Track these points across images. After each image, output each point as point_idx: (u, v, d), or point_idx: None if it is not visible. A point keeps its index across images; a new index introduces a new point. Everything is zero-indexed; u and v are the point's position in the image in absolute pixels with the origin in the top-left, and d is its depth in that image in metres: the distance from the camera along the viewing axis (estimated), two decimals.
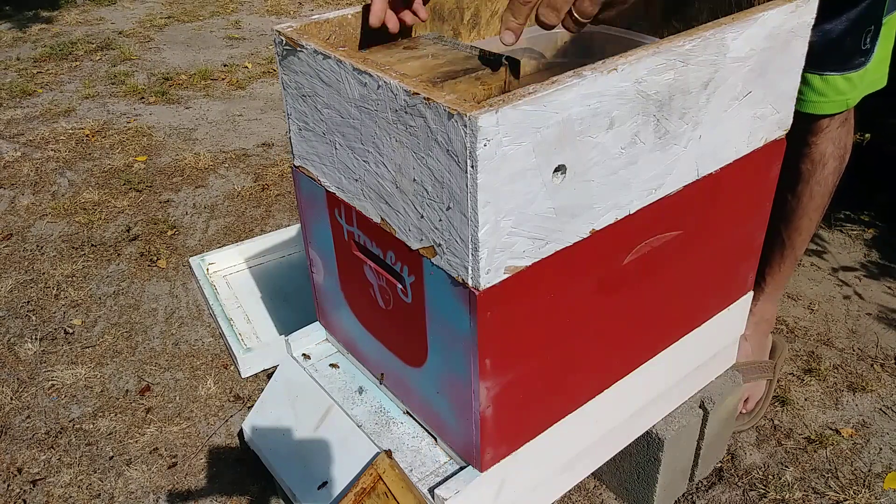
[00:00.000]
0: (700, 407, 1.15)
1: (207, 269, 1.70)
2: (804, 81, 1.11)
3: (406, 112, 0.70)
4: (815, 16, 0.90)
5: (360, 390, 1.04)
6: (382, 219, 0.82)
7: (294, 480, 1.03)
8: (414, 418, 0.97)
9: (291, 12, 3.88)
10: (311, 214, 0.98)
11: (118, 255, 1.89)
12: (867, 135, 1.96)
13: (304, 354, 1.08)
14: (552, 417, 0.91)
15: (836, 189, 1.25)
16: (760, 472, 1.27)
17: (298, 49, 0.81)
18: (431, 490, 0.87)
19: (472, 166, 0.64)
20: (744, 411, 1.34)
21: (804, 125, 1.17)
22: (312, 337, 1.13)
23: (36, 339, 1.61)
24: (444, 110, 0.64)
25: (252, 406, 1.17)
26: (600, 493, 1.25)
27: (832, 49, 1.09)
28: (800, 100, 1.13)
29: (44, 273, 1.82)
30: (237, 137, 2.51)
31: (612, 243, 0.83)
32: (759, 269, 1.35)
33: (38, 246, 1.93)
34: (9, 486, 1.27)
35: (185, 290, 1.75)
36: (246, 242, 1.78)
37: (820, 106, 1.14)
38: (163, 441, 1.35)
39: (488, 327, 0.74)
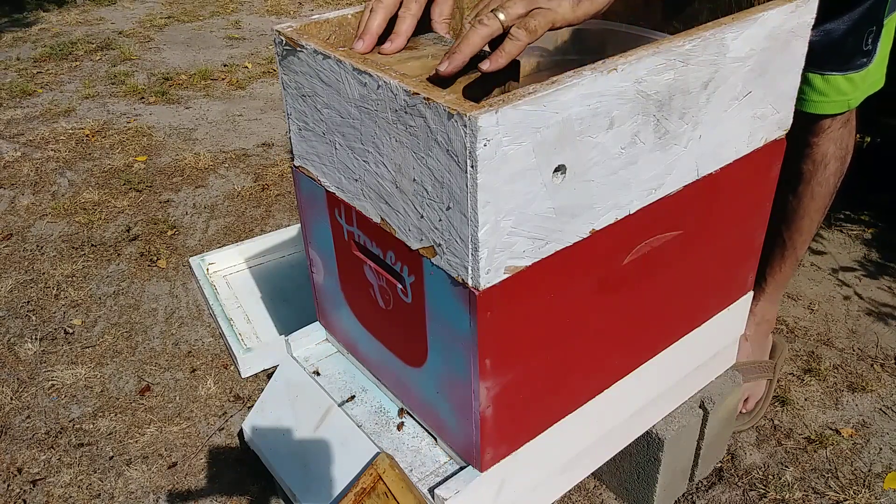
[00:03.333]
0: (700, 407, 1.15)
1: (207, 269, 1.70)
2: (805, 81, 1.11)
3: (406, 112, 0.70)
4: (815, 16, 0.90)
5: (361, 390, 1.04)
6: (382, 219, 0.82)
7: (294, 480, 1.03)
8: (414, 418, 0.97)
9: (291, 12, 3.88)
10: (311, 214, 0.98)
11: (118, 255, 1.89)
12: (867, 137, 1.95)
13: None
14: (552, 417, 0.91)
15: (837, 190, 1.25)
16: (760, 472, 1.27)
17: (298, 49, 0.81)
18: (431, 490, 0.87)
19: (472, 166, 0.64)
20: (744, 411, 1.34)
21: (806, 125, 1.17)
22: (312, 337, 1.13)
23: (36, 339, 1.61)
24: (444, 110, 0.64)
25: (252, 406, 1.17)
26: (600, 493, 1.25)
27: (834, 49, 1.09)
28: (801, 99, 1.13)
29: (44, 273, 1.82)
30: (237, 137, 2.51)
31: (612, 243, 0.83)
32: (759, 270, 1.35)
33: (38, 246, 1.93)
34: (9, 486, 1.27)
35: (185, 290, 1.75)
36: (246, 242, 1.78)
37: (821, 106, 1.14)
38: (163, 441, 1.35)
39: (488, 327, 0.74)
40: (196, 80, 2.98)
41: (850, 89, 1.12)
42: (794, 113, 1.16)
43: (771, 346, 1.40)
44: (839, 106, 1.14)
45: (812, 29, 1.01)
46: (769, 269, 1.33)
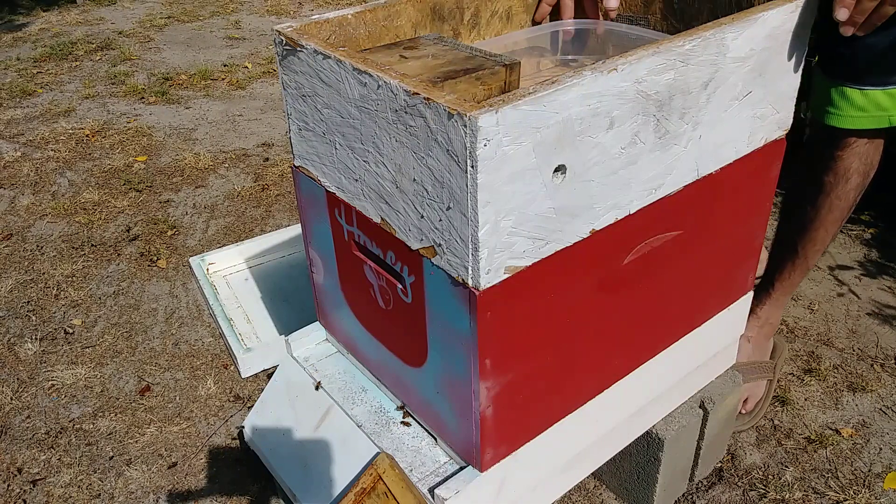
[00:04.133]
0: (700, 407, 1.15)
1: (207, 269, 1.70)
2: (843, 96, 1.08)
3: (406, 112, 0.70)
4: (815, 16, 0.90)
5: (361, 390, 1.04)
6: (382, 219, 0.82)
7: (294, 480, 1.03)
8: (414, 418, 0.97)
9: (291, 12, 3.88)
10: (311, 214, 0.98)
11: (118, 255, 1.89)
12: None
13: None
14: (552, 417, 0.91)
15: (856, 204, 1.22)
16: (760, 472, 1.27)
17: (298, 49, 0.81)
18: (431, 490, 0.87)
19: (472, 166, 0.64)
20: (743, 412, 1.33)
21: (833, 138, 1.14)
22: (312, 337, 1.13)
23: (36, 339, 1.61)
24: (444, 110, 0.64)
25: (252, 406, 1.17)
26: (600, 493, 1.25)
27: (875, 63, 1.05)
28: (837, 115, 1.10)
29: (44, 273, 1.82)
30: (237, 137, 2.51)
31: (612, 243, 0.83)
32: (768, 274, 1.34)
33: (38, 246, 1.93)
34: (9, 486, 1.27)
35: (185, 290, 1.75)
36: (246, 242, 1.78)
37: (859, 121, 1.10)
38: (163, 441, 1.35)
39: (488, 327, 0.74)
40: (196, 80, 2.98)
41: (891, 105, 1.07)
42: (822, 126, 1.13)
43: (772, 347, 1.40)
44: (878, 121, 1.09)
45: (852, 44, 0.99)
46: (778, 275, 1.32)
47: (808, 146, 1.23)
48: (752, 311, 1.34)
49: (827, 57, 1.11)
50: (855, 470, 1.27)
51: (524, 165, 0.68)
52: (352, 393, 1.04)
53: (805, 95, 1.06)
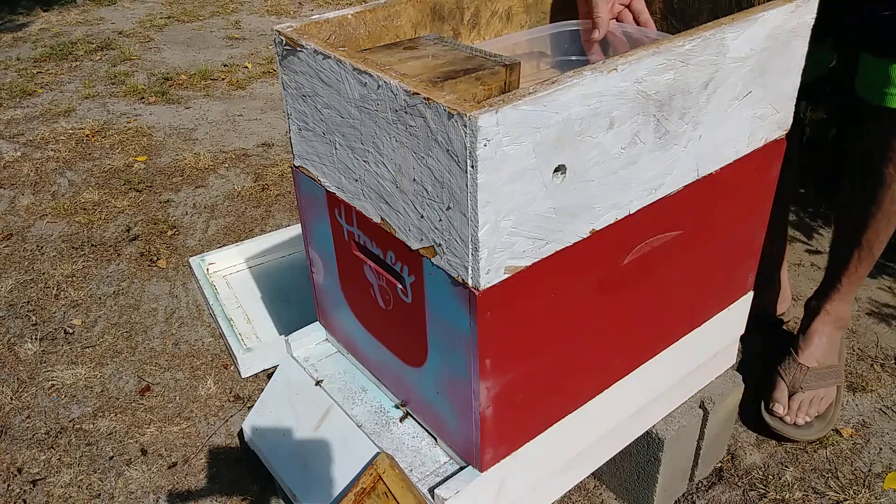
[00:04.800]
0: (700, 407, 1.15)
1: (207, 269, 1.70)
2: (891, 77, 1.06)
3: (406, 112, 0.70)
4: (815, 16, 0.90)
5: (361, 390, 1.04)
6: (382, 219, 0.82)
7: (294, 480, 1.03)
8: (414, 418, 0.97)
9: (291, 12, 3.88)
10: (311, 214, 0.98)
11: (118, 255, 1.89)
12: None
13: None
14: (552, 417, 0.91)
15: None
16: (760, 472, 1.27)
17: (298, 49, 0.81)
18: (431, 490, 0.87)
19: (472, 166, 0.64)
20: (808, 419, 1.30)
21: (890, 127, 1.12)
22: (312, 337, 1.13)
23: (36, 339, 1.61)
24: (444, 110, 0.64)
25: (252, 406, 1.17)
26: (600, 493, 1.25)
27: None
28: (889, 95, 1.07)
29: (44, 273, 1.82)
30: (237, 137, 2.51)
31: (612, 243, 0.83)
32: (835, 271, 1.32)
33: (38, 246, 1.93)
34: (9, 486, 1.27)
35: (185, 290, 1.75)
36: (246, 242, 1.78)
37: None
38: (163, 441, 1.35)
39: (488, 327, 0.74)
40: (196, 80, 2.98)
41: None
42: (881, 112, 1.09)
43: (839, 345, 1.38)
44: None
45: (886, 14, 0.97)
46: (845, 270, 1.29)
47: (852, 139, 1.18)
48: (821, 308, 1.33)
49: (885, 37, 1.08)
50: (855, 470, 1.27)
51: (524, 165, 0.68)
52: (352, 393, 1.04)
53: (804, 94, 1.06)
